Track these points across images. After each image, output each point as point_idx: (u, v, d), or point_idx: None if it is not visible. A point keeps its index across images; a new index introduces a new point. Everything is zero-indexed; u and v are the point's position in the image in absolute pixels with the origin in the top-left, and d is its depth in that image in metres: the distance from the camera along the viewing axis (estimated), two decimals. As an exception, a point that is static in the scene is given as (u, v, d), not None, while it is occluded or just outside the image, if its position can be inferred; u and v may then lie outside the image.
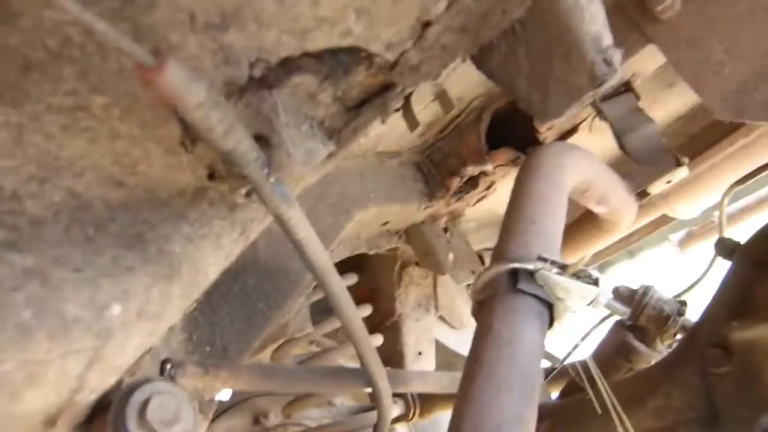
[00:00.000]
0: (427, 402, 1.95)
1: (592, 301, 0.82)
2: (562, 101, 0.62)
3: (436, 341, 2.39)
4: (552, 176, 1.01)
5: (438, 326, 2.45)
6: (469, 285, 2.73)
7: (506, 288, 0.81)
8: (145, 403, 0.73)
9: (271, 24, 0.52)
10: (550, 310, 0.82)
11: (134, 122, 0.58)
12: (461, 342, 2.70)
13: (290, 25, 0.53)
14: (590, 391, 1.02)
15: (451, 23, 0.59)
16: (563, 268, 0.81)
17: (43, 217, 0.56)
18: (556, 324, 0.83)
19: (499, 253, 0.89)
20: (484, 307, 0.83)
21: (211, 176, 0.69)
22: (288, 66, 0.58)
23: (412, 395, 1.95)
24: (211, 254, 0.72)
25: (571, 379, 1.22)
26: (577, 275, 0.81)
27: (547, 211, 0.93)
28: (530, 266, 0.81)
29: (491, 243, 2.66)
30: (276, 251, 1.35)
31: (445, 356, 2.57)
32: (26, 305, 0.52)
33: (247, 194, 0.58)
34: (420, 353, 2.25)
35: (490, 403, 0.69)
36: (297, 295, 1.37)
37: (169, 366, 0.83)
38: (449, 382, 1.28)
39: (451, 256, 1.91)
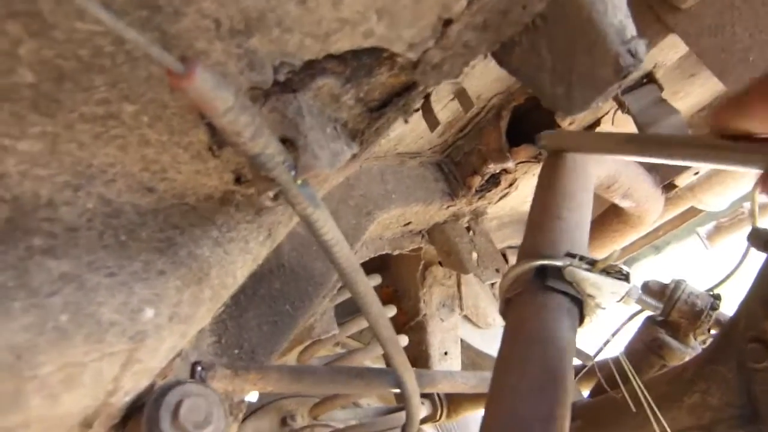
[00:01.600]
0: (454, 402, 1.95)
1: (623, 297, 0.82)
2: (587, 94, 0.62)
3: (461, 341, 2.39)
4: (576, 171, 1.00)
5: (463, 326, 2.45)
6: (493, 284, 2.72)
7: (534, 285, 0.81)
8: (178, 405, 0.75)
9: (294, 28, 0.53)
10: (579, 307, 0.82)
11: (163, 129, 0.59)
12: (486, 341, 2.70)
13: (313, 27, 0.54)
14: (623, 389, 1.00)
15: (472, 21, 0.59)
16: (592, 264, 0.80)
17: (78, 223, 0.58)
18: (586, 321, 0.82)
19: (526, 250, 0.88)
20: (512, 305, 0.83)
21: (238, 180, 0.70)
22: (311, 69, 0.59)
23: (439, 395, 1.95)
24: (239, 257, 0.73)
25: (602, 377, 1.21)
26: (607, 271, 0.80)
27: (572, 206, 0.93)
28: (558, 263, 0.81)
29: (514, 241, 2.65)
30: (300, 254, 1.36)
31: (470, 356, 2.56)
32: (63, 309, 0.53)
33: (275, 197, 0.59)
34: (446, 353, 2.25)
35: (521, 403, 0.68)
36: (322, 296, 1.38)
37: (199, 368, 0.84)
38: (477, 381, 1.27)
39: (474, 255, 1.91)
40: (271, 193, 0.56)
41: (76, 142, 0.56)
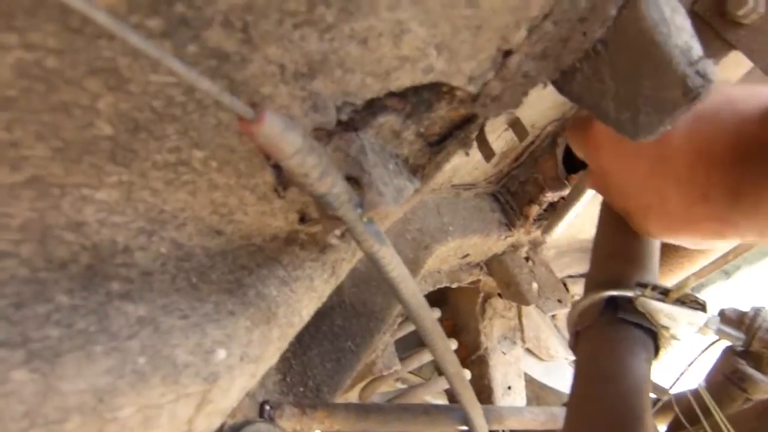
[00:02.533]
0: (519, 438, 1.89)
1: (700, 328, 0.78)
2: (654, 118, 0.60)
3: (524, 374, 2.33)
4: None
5: (525, 358, 2.39)
6: (553, 315, 2.65)
7: (605, 317, 0.78)
8: (249, 446, 0.75)
9: (356, 68, 0.54)
10: (654, 339, 0.78)
11: (230, 173, 0.60)
12: (549, 374, 2.62)
13: (374, 67, 0.55)
14: (706, 424, 0.95)
15: (531, 50, 0.59)
16: (665, 293, 0.77)
17: (152, 267, 0.59)
18: (662, 353, 0.79)
19: (593, 281, 0.86)
20: (582, 339, 0.80)
21: (302, 220, 0.71)
22: (373, 107, 0.59)
23: None
24: (305, 296, 0.73)
25: (680, 411, 1.15)
26: (682, 300, 0.77)
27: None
28: (629, 293, 0.78)
29: (573, 270, 2.59)
30: (360, 290, 1.37)
31: (533, 389, 2.49)
32: (141, 352, 0.54)
33: (341, 235, 0.59)
34: (509, 387, 2.19)
35: None
36: (383, 332, 1.38)
37: (268, 407, 0.84)
38: (547, 418, 1.23)
39: (534, 285, 1.87)
40: (338, 232, 0.56)
41: (150, 189, 0.58)
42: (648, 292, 0.78)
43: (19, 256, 0.53)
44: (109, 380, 0.52)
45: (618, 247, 0.88)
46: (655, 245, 0.91)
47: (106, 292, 0.56)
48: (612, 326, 0.78)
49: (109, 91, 0.47)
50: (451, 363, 0.86)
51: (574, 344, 0.84)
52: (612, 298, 0.80)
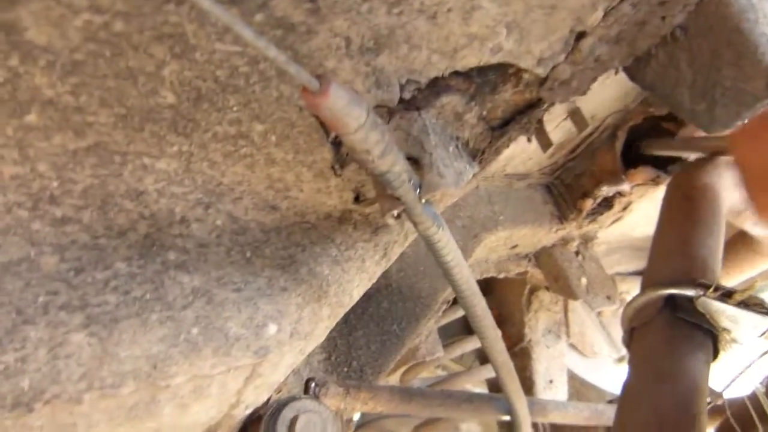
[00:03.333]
0: (558, 433, 1.86)
1: (764, 333, 0.74)
2: (732, 110, 0.57)
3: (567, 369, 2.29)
4: (706, 196, 0.93)
5: (568, 354, 2.35)
6: (599, 312, 2.59)
7: (663, 316, 0.75)
8: (294, 421, 0.75)
9: (422, 44, 0.52)
10: (713, 341, 0.75)
11: (289, 148, 0.60)
12: (592, 371, 2.57)
13: (441, 44, 0.53)
14: (761, 430, 0.91)
15: (606, 33, 0.56)
16: (729, 295, 0.74)
17: (208, 240, 0.60)
18: (720, 356, 0.76)
19: (652, 278, 0.83)
20: (638, 336, 0.77)
21: (357, 199, 0.70)
22: (436, 86, 0.58)
23: (543, 425, 1.87)
24: (356, 276, 0.73)
25: (732, 415, 1.10)
26: (746, 303, 0.73)
27: (703, 233, 0.86)
28: (690, 292, 0.75)
29: (623, 267, 2.51)
30: (407, 274, 1.36)
31: (574, 385, 2.45)
32: (195, 323, 0.55)
33: (397, 216, 0.58)
34: (551, 381, 2.16)
35: None
36: (428, 318, 1.36)
37: (313, 385, 0.84)
38: (591, 414, 1.20)
39: (583, 280, 1.83)
40: (395, 212, 0.55)
41: (209, 161, 0.58)
42: (710, 292, 0.74)
43: (81, 222, 0.54)
44: (163, 348, 0.53)
45: (681, 244, 0.84)
46: (720, 245, 0.87)
47: (163, 261, 0.56)
48: (670, 325, 0.75)
49: (174, 59, 0.47)
50: (500, 352, 0.85)
51: (629, 341, 0.81)
52: (671, 297, 0.77)
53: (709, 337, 0.75)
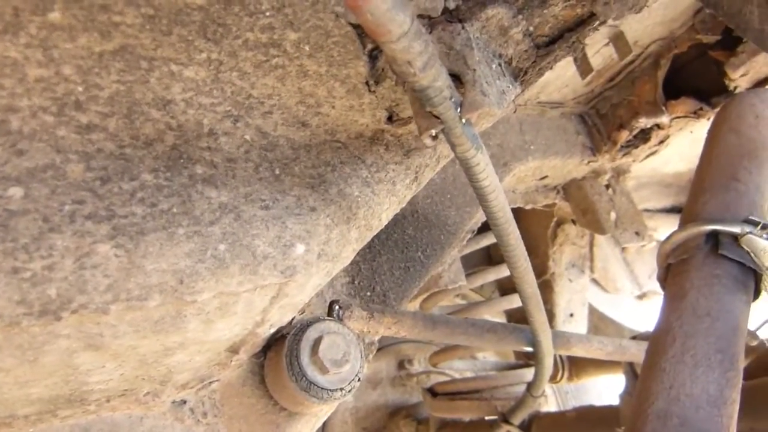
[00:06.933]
0: (576, 366, 1.87)
1: (810, 274, 0.71)
2: (806, 32, 0.52)
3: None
4: (755, 129, 0.88)
5: (590, 288, 2.34)
6: (623, 249, 2.56)
7: (704, 252, 0.72)
8: (318, 341, 0.75)
9: (472, -52, 0.48)
10: (756, 280, 0.72)
11: (322, 60, 0.56)
12: (612, 307, 2.57)
13: (492, -52, 0.48)
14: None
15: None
16: (777, 233, 0.70)
17: (236, 154, 0.57)
18: (762, 296, 0.73)
19: (694, 213, 0.79)
20: (676, 273, 0.74)
21: (390, 119, 0.67)
22: (483, -4, 0.53)
23: (561, 357, 1.89)
24: (386, 199, 0.70)
25: (760, 356, 1.09)
26: (795, 242, 0.70)
27: (752, 167, 0.81)
28: (735, 229, 0.71)
29: (651, 204, 2.46)
30: (434, 201, 1.33)
31: (592, 320, 2.45)
32: (222, 239, 0.53)
33: (435, 136, 0.55)
34: (571, 315, 2.16)
35: (685, 379, 0.61)
36: (453, 246, 1.35)
37: (337, 307, 0.84)
38: (614, 348, 1.20)
39: (613, 215, 1.79)
40: (433, 132, 0.52)
41: (238, 71, 0.55)
42: (757, 230, 0.71)
43: (107, 130, 0.52)
44: (189, 263, 0.52)
45: (727, 179, 0.80)
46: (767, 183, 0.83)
47: (190, 174, 0.54)
48: (710, 262, 0.72)
49: (204, -45, 0.44)
50: (529, 283, 0.83)
51: (664, 277, 0.78)
52: (713, 233, 0.74)
53: (752, 277, 0.72)
